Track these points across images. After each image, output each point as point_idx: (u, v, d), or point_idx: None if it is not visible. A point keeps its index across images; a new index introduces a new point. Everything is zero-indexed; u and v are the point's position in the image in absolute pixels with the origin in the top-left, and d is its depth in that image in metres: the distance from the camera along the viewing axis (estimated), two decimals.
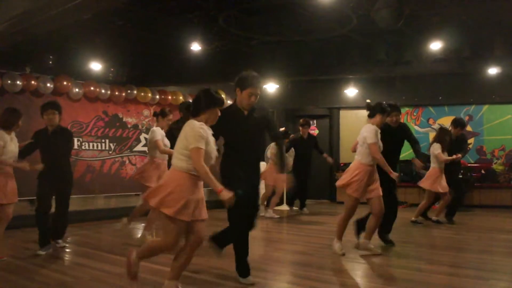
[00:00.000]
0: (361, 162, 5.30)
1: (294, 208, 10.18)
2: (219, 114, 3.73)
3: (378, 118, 5.36)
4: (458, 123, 8.19)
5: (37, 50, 8.93)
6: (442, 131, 7.90)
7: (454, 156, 7.72)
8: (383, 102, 5.50)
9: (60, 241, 6.01)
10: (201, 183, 3.59)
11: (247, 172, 4.21)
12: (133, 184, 9.70)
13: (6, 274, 4.75)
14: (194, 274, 4.70)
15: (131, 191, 9.82)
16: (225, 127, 4.07)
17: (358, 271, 5.11)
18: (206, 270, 4.66)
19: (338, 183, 5.53)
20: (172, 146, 6.17)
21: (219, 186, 3.46)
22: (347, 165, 11.93)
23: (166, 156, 6.19)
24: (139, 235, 7.36)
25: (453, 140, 7.93)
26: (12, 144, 5.32)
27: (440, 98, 11.51)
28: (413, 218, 7.94)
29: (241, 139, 4.25)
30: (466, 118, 11.27)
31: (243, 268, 4.27)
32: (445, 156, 7.66)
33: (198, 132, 3.45)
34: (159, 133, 6.16)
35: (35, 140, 5.68)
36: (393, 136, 5.79)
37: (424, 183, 7.83)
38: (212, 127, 3.69)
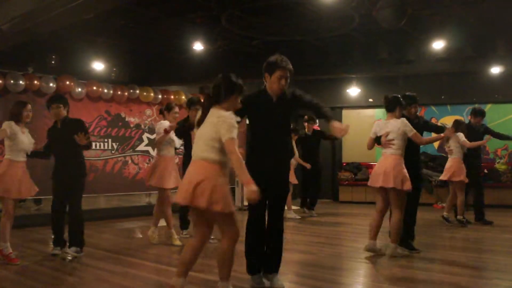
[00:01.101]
0: (400, 154, 5.25)
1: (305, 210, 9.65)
2: (240, 101, 3.61)
3: (398, 111, 5.36)
4: (477, 113, 8.13)
5: (39, 50, 8.96)
6: (457, 122, 7.82)
7: (484, 141, 7.79)
8: (399, 96, 5.47)
9: (71, 250, 5.34)
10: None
11: (274, 166, 4.00)
12: (135, 184, 9.73)
13: (9, 274, 4.77)
14: (197, 273, 4.71)
15: (133, 190, 9.83)
16: (251, 115, 3.87)
17: (361, 270, 5.11)
18: (208, 269, 4.66)
19: (407, 187, 5.16)
20: (186, 142, 6.15)
21: (249, 178, 3.31)
22: (349, 164, 12.04)
23: (173, 152, 6.24)
24: (140, 235, 7.38)
25: (476, 132, 7.90)
26: (25, 137, 5.33)
27: (443, 97, 11.49)
28: (459, 217, 7.82)
29: (269, 129, 3.99)
30: (469, 118, 11.23)
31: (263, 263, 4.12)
32: (469, 143, 7.60)
33: (231, 123, 3.34)
34: (164, 124, 6.10)
35: (48, 137, 5.60)
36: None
37: (451, 177, 7.71)
38: (237, 113, 3.54)
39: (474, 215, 8.10)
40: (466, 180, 7.66)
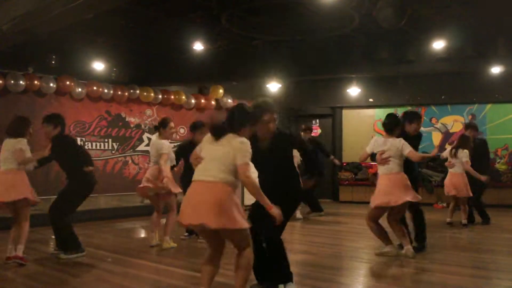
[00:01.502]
0: (400, 171, 5.30)
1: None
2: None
3: (396, 131, 5.39)
4: (469, 125, 8.16)
5: (40, 50, 8.93)
6: (464, 138, 7.76)
7: (483, 178, 7.51)
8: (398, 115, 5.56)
9: (60, 252, 5.42)
10: None
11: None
12: (136, 184, 9.71)
13: (10, 274, 4.77)
14: (197, 273, 4.71)
15: (134, 191, 9.81)
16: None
17: (361, 270, 5.11)
18: None
19: (416, 198, 5.32)
20: (186, 162, 6.03)
21: (269, 202, 3.47)
22: (349, 164, 12.04)
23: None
24: (142, 235, 7.38)
25: (476, 146, 7.83)
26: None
27: (443, 97, 11.48)
28: (463, 221, 7.74)
29: (264, 168, 4.00)
30: (469, 117, 11.25)
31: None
32: (470, 167, 7.50)
33: (248, 150, 3.43)
34: (166, 146, 5.97)
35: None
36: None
37: (453, 191, 7.68)
38: None
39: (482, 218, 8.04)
40: (471, 194, 7.62)
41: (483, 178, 7.50)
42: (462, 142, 7.66)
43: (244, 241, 3.52)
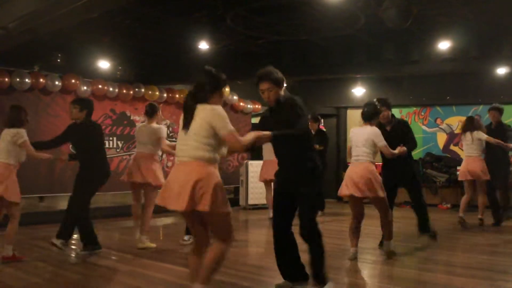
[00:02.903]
0: (372, 161, 5.19)
1: None
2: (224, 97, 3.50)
3: (375, 121, 5.37)
4: (494, 108, 8.02)
5: (45, 48, 8.98)
6: (469, 119, 7.67)
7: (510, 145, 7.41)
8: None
9: (58, 241, 5.38)
10: None
11: (281, 176, 4.01)
12: None
13: (15, 272, 4.79)
14: None
15: None
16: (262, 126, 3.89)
17: (365, 270, 5.11)
18: None
19: (382, 194, 5.17)
20: None
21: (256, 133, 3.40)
22: None
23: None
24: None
25: (493, 129, 7.77)
26: None
27: (448, 98, 11.44)
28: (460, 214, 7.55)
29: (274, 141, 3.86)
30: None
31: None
32: (493, 139, 7.30)
33: (224, 115, 3.20)
34: (164, 130, 6.09)
35: (65, 132, 5.68)
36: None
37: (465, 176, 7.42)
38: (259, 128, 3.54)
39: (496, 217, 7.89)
40: (488, 177, 7.38)
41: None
42: (469, 124, 7.54)
43: (224, 230, 3.28)
